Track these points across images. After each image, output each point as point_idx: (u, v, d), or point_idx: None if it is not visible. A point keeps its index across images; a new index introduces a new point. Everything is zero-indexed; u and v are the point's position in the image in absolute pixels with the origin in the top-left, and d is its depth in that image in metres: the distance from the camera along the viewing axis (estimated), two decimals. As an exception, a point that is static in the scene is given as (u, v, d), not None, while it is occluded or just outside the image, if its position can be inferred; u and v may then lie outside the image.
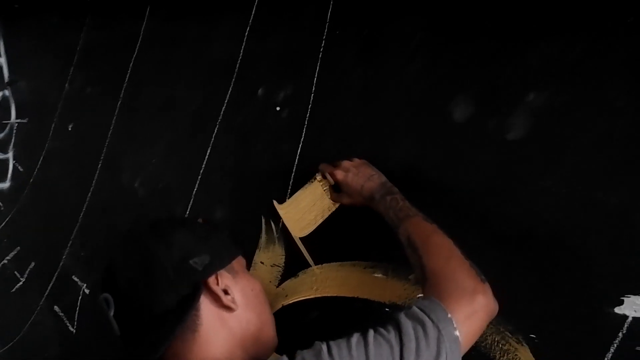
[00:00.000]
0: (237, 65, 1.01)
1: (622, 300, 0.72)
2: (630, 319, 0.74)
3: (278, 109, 0.96)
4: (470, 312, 0.59)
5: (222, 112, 1.02)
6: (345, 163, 0.82)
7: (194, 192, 1.04)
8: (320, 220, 0.92)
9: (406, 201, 0.74)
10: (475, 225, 0.81)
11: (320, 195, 0.91)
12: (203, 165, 1.03)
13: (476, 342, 0.81)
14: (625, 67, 0.72)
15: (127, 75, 1.16)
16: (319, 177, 0.89)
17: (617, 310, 0.72)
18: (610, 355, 0.74)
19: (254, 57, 0.99)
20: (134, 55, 1.16)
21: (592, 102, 0.72)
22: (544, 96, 0.76)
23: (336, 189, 0.87)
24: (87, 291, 1.19)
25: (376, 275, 0.91)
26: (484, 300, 0.60)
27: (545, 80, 0.76)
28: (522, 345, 0.81)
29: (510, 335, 0.81)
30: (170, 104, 1.11)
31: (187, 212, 1.05)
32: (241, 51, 1.00)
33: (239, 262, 0.72)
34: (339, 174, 0.82)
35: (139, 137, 1.14)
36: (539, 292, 0.75)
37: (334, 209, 0.91)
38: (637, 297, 0.73)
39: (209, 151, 1.03)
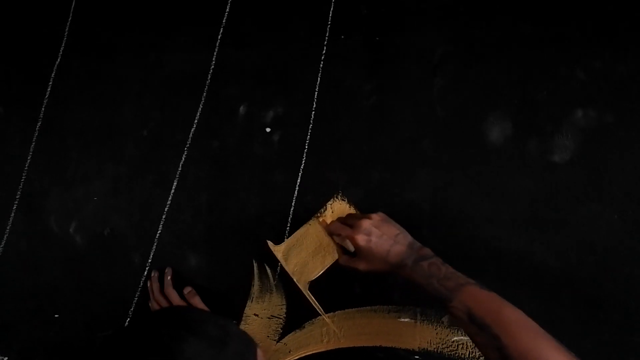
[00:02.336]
0: (208, 79, 0.84)
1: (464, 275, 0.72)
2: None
3: (268, 130, 0.80)
4: None
5: (190, 136, 0.84)
6: (365, 223, 0.74)
7: (157, 236, 0.85)
8: (331, 262, 0.84)
9: (447, 265, 0.70)
10: (518, 257, 0.80)
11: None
12: (168, 203, 0.87)
13: None
14: None
15: (48, 90, 0.90)
16: (336, 203, 0.83)
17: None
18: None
19: (229, 68, 0.89)
20: (57, 63, 0.91)
21: None
22: (593, 113, 0.72)
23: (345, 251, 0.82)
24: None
25: (402, 320, 0.82)
26: None
27: (593, 96, 0.75)
28: None
29: None
30: (110, 127, 0.98)
31: (149, 261, 0.90)
32: (212, 61, 0.85)
33: (260, 358, 0.62)
34: (361, 239, 0.73)
35: (69, 171, 0.96)
36: (589, 325, 0.74)
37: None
38: None
39: (174, 185, 0.86)
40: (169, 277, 0.90)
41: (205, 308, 0.88)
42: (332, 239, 0.81)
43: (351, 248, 0.75)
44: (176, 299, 0.88)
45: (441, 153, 0.81)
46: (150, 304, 0.92)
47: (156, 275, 0.91)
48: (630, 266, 0.73)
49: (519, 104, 0.77)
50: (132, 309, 0.94)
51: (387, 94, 0.83)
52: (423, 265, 0.69)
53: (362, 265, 0.75)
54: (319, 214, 0.85)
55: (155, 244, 0.91)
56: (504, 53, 0.78)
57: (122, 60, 0.93)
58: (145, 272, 0.92)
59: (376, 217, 0.74)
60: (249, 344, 0.59)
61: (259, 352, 0.61)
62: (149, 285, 0.92)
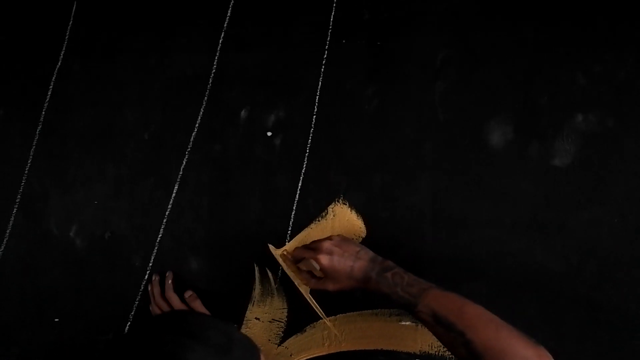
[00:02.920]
0: (210, 82, 0.85)
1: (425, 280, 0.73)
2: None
3: (269, 134, 0.80)
4: None
5: (192, 140, 0.84)
6: (326, 244, 0.77)
7: (158, 239, 0.85)
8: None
9: (409, 273, 0.72)
10: (519, 260, 0.85)
11: (337, 233, 0.83)
12: (169, 207, 0.87)
13: None
14: None
15: (49, 93, 0.90)
16: (338, 207, 0.84)
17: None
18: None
19: (231, 72, 0.89)
20: (57, 67, 0.90)
21: None
22: (593, 118, 0.72)
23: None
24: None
25: (403, 323, 0.83)
26: None
27: (594, 100, 0.75)
28: None
29: None
30: (111, 130, 0.97)
31: (150, 265, 0.89)
32: (214, 64, 0.85)
33: None
34: (324, 259, 0.75)
35: (70, 173, 0.95)
36: (589, 328, 0.75)
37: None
38: None
39: (175, 188, 0.86)
40: (169, 281, 0.90)
41: (207, 312, 0.88)
42: (298, 267, 0.81)
43: (317, 267, 0.76)
44: (177, 303, 0.88)
45: (442, 157, 0.81)
46: (151, 308, 0.91)
47: (157, 279, 0.91)
48: (630, 270, 0.74)
49: (520, 108, 0.77)
50: (132, 313, 0.93)
51: (388, 98, 0.83)
52: (387, 276, 0.72)
53: (330, 286, 0.77)
54: (320, 218, 0.85)
55: (156, 247, 0.91)
56: (505, 57, 0.78)
57: (123, 62, 0.93)
58: (146, 276, 0.92)
59: (336, 237, 0.78)
60: (252, 350, 0.59)
61: (262, 358, 0.61)
62: (149, 289, 0.92)
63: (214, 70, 0.89)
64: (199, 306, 0.88)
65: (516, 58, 0.77)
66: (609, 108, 0.74)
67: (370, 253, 0.76)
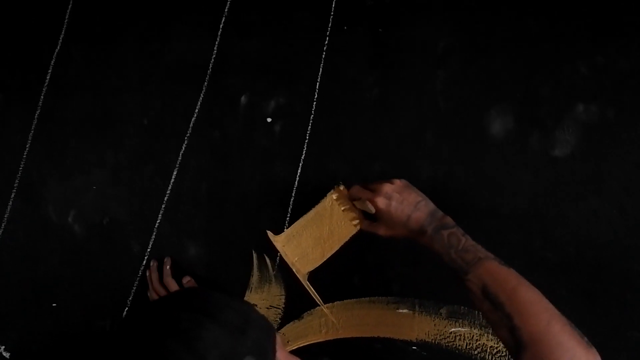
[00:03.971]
0: (210, 68, 0.85)
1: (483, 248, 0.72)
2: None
3: (269, 120, 0.80)
4: None
5: (191, 126, 0.83)
6: (386, 187, 0.73)
7: (156, 225, 0.85)
8: (331, 253, 0.84)
9: (468, 236, 0.68)
10: (517, 251, 0.79)
11: (335, 222, 0.83)
12: (168, 192, 0.87)
13: None
14: None
15: (47, 77, 0.89)
16: (335, 195, 0.81)
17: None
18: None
19: (231, 58, 0.89)
20: (56, 51, 0.90)
21: None
22: (594, 109, 0.71)
23: (367, 215, 0.80)
24: (6, 354, 0.99)
25: (401, 311, 0.83)
26: None
27: (595, 91, 0.75)
28: None
29: None
30: (110, 116, 0.97)
31: (148, 251, 0.90)
32: (214, 50, 0.84)
33: (278, 344, 0.60)
34: (381, 202, 0.72)
35: (68, 159, 0.94)
36: (586, 318, 0.74)
37: (350, 237, 0.83)
38: None
39: (174, 174, 0.86)
40: (167, 267, 0.90)
41: None
42: (353, 204, 0.79)
43: (372, 210, 0.73)
44: (175, 289, 0.88)
45: (442, 146, 0.80)
46: (149, 294, 0.91)
47: (155, 264, 0.91)
48: (628, 261, 0.73)
49: (521, 98, 0.77)
50: (130, 299, 0.94)
51: (389, 86, 0.82)
52: (443, 234, 0.68)
53: (382, 230, 0.74)
54: (318, 205, 0.85)
55: (154, 233, 0.91)
56: (508, 47, 0.77)
57: (122, 48, 0.92)
58: (144, 262, 0.92)
59: (398, 182, 0.73)
60: (268, 331, 0.57)
61: (278, 339, 0.60)
62: (147, 275, 0.92)
63: (214, 57, 0.88)
64: None
65: (518, 48, 0.77)
66: (610, 99, 0.73)
67: (431, 206, 0.72)
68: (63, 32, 0.95)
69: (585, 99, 0.75)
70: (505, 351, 0.80)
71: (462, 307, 0.81)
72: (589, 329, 0.77)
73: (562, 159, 0.75)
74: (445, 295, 0.82)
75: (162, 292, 0.89)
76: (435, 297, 0.83)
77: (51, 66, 0.95)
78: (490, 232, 0.77)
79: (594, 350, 0.57)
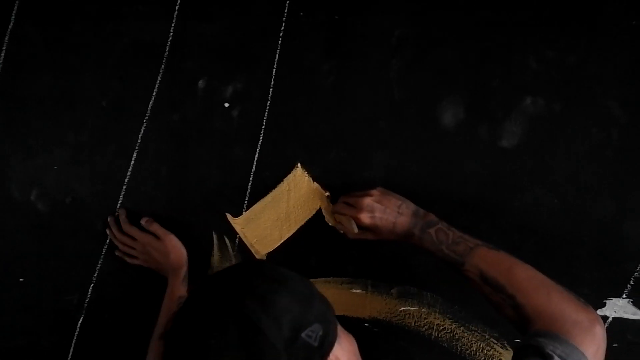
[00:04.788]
0: (167, 51, 0.83)
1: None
2: (610, 319, 0.80)
3: (227, 105, 0.80)
4: (595, 348, 0.59)
5: (149, 108, 0.83)
6: (366, 200, 0.74)
7: (118, 205, 0.87)
8: (288, 235, 0.88)
9: (453, 228, 0.71)
10: None
11: (292, 205, 0.86)
12: (128, 174, 0.86)
13: (461, 350, 0.82)
14: (627, 73, 0.70)
15: (2, 55, 0.87)
16: (294, 179, 0.84)
17: (600, 312, 0.79)
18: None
19: (188, 41, 0.88)
20: (10, 28, 0.88)
21: (590, 110, 0.75)
22: (541, 102, 0.73)
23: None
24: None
25: (354, 291, 0.87)
26: (601, 331, 0.60)
27: (543, 84, 0.76)
28: (507, 349, 0.84)
29: (495, 342, 0.84)
30: (69, 96, 0.93)
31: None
32: (170, 32, 0.83)
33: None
34: (365, 217, 0.74)
35: (29, 138, 0.94)
36: None
37: (306, 220, 0.87)
38: (617, 299, 0.78)
39: (134, 156, 0.86)
40: (123, 216, 0.90)
41: (166, 231, 0.86)
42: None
43: (355, 229, 0.75)
44: (138, 233, 0.89)
45: (396, 135, 0.81)
46: (117, 253, 0.91)
47: (112, 219, 0.91)
48: (568, 250, 0.77)
49: (472, 89, 0.78)
50: (95, 275, 0.96)
51: (345, 74, 0.82)
52: (430, 232, 0.71)
53: (370, 236, 0.77)
54: (276, 189, 0.86)
55: (116, 214, 0.91)
56: (461, 38, 0.78)
57: (78, 28, 0.89)
58: (108, 240, 0.94)
59: (376, 192, 0.75)
60: (329, 304, 0.61)
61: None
62: (108, 232, 0.91)
63: (170, 39, 0.86)
64: (157, 228, 0.88)
65: (471, 39, 0.77)
66: (556, 93, 0.75)
67: (412, 206, 0.74)
68: (15, 8, 0.91)
69: (534, 92, 0.76)
70: (450, 327, 0.86)
71: (411, 288, 0.86)
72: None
73: (509, 150, 0.77)
74: (396, 277, 0.85)
75: (128, 241, 0.89)
76: (387, 278, 0.86)
77: (5, 43, 0.92)
78: (440, 213, 0.76)
79: (591, 307, 0.62)
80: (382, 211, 0.73)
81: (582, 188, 0.75)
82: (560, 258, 0.76)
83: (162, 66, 0.87)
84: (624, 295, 0.77)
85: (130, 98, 0.89)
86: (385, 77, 0.80)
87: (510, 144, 0.77)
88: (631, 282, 0.77)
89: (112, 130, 0.90)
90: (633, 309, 0.78)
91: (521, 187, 0.77)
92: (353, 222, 0.74)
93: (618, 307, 0.78)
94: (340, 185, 0.83)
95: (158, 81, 0.87)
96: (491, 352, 0.84)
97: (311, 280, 0.89)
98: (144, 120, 0.89)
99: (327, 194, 0.83)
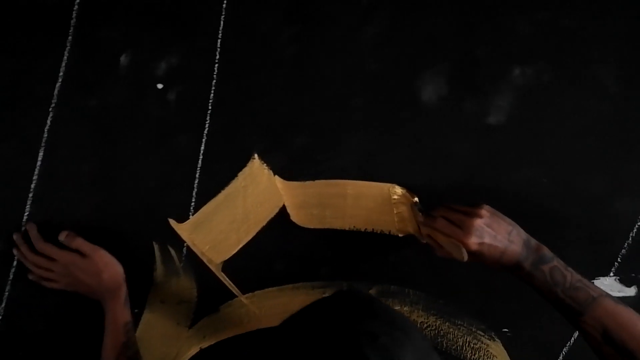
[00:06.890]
0: (73, 16, 0.64)
1: (592, 283, 0.72)
2: (597, 297, 0.76)
3: (160, 87, 0.65)
4: None
5: (55, 93, 0.66)
6: (477, 223, 0.62)
7: (24, 218, 0.69)
8: (248, 238, 0.75)
9: (570, 269, 0.62)
10: None
11: (250, 204, 0.74)
12: (35, 173, 0.69)
13: (446, 346, 0.79)
14: (626, 42, 0.65)
15: None
16: (250, 173, 0.72)
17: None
18: (577, 334, 0.79)
19: (104, 3, 0.64)
20: None
21: (583, 83, 0.69)
22: (531, 72, 0.66)
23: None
24: None
25: (326, 295, 0.76)
26: None
27: (535, 51, 0.69)
28: (494, 340, 0.81)
29: (482, 334, 0.80)
30: None
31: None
32: (78, -8, 0.64)
33: None
34: (473, 244, 0.62)
35: None
36: (518, 289, 0.71)
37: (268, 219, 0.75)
38: (605, 278, 0.75)
39: (41, 153, 0.68)
40: (34, 232, 0.73)
41: (93, 246, 0.71)
42: (438, 236, 0.66)
43: (465, 257, 0.62)
44: (56, 252, 0.71)
45: (372, 113, 0.71)
46: (30, 277, 0.73)
47: (19, 236, 0.72)
48: (558, 229, 0.73)
49: (456, 60, 0.68)
50: (3, 305, 0.77)
51: (309, 43, 0.69)
52: (544, 270, 0.62)
53: (469, 260, 0.65)
54: (229, 186, 0.73)
55: (23, 228, 0.72)
56: (441, 6, 0.67)
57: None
58: (15, 262, 0.75)
59: (486, 213, 0.63)
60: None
61: None
62: (16, 253, 0.73)
63: (76, 3, 0.66)
64: (82, 243, 0.71)
65: (454, 2, 0.66)
66: (549, 61, 0.67)
67: (523, 233, 0.64)
68: None
69: (523, 61, 0.67)
70: (435, 324, 0.80)
71: (392, 286, 0.78)
72: (520, 302, 0.76)
73: (497, 127, 0.69)
74: (375, 276, 0.77)
75: (43, 262, 0.72)
76: (365, 278, 0.78)
77: None
78: (425, 201, 0.70)
79: None
80: (493, 238, 0.62)
81: (572, 167, 0.70)
82: (551, 241, 0.72)
83: (70, 37, 0.68)
84: (611, 274, 0.76)
85: (29, 80, 0.69)
86: (356, 47, 0.68)
87: (498, 121, 0.69)
88: (618, 260, 0.75)
89: (9, 123, 0.70)
90: (620, 286, 0.76)
91: (510, 167, 0.70)
92: (463, 249, 0.62)
93: (605, 286, 0.74)
94: (311, 178, 0.71)
95: (65, 57, 0.68)
96: (478, 345, 0.79)
97: (276, 288, 0.78)
98: (50, 109, 0.69)
99: (415, 199, 0.70)
